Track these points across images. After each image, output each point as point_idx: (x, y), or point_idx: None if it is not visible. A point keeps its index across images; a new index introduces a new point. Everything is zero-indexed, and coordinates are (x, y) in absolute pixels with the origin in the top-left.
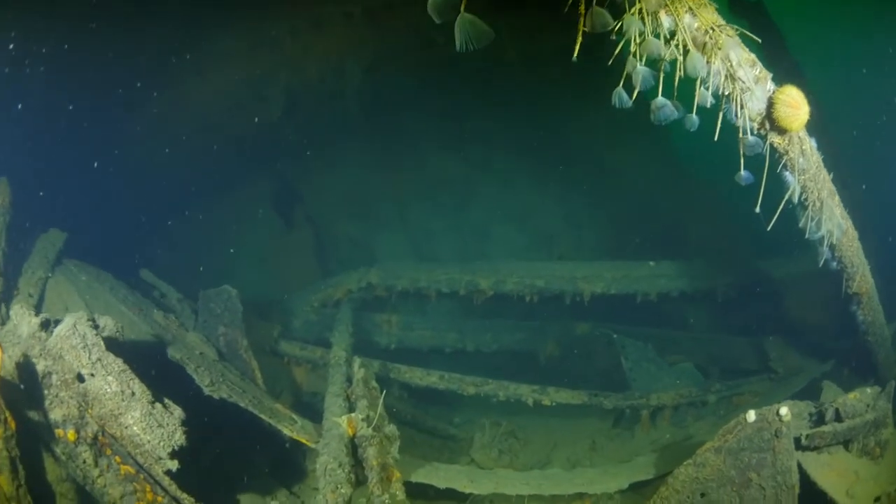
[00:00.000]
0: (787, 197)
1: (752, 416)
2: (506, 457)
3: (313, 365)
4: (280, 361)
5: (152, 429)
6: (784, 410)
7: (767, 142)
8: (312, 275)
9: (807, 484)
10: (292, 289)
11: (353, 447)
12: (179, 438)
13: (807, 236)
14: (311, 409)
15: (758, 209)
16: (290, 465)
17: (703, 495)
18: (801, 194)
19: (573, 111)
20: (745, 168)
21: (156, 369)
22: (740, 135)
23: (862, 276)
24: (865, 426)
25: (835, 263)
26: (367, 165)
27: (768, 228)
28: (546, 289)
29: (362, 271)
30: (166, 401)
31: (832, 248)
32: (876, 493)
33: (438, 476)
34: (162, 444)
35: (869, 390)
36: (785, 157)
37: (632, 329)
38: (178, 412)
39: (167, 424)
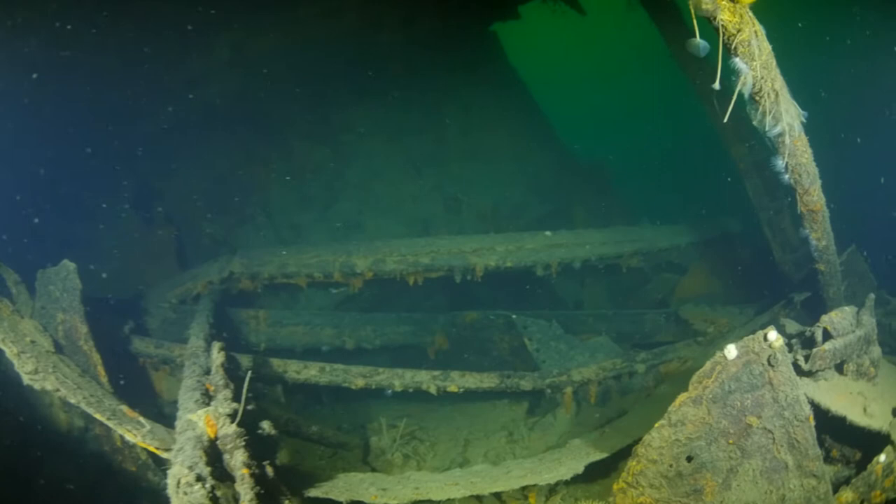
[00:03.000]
0: (738, 87)
1: (731, 350)
2: (412, 462)
3: (173, 367)
4: (137, 365)
5: None
6: (773, 335)
7: (719, 20)
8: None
9: (817, 413)
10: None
11: (216, 452)
12: None
13: (766, 132)
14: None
15: (716, 85)
16: None
17: (690, 459)
18: (753, 85)
19: (449, 96)
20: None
21: None
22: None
23: (815, 191)
24: (860, 342)
25: (787, 176)
26: (230, 158)
27: (725, 119)
28: (432, 266)
29: (224, 260)
30: None
31: (788, 153)
32: (889, 408)
33: (338, 488)
34: None
35: (847, 308)
36: (736, 40)
37: (528, 312)
38: None
39: None
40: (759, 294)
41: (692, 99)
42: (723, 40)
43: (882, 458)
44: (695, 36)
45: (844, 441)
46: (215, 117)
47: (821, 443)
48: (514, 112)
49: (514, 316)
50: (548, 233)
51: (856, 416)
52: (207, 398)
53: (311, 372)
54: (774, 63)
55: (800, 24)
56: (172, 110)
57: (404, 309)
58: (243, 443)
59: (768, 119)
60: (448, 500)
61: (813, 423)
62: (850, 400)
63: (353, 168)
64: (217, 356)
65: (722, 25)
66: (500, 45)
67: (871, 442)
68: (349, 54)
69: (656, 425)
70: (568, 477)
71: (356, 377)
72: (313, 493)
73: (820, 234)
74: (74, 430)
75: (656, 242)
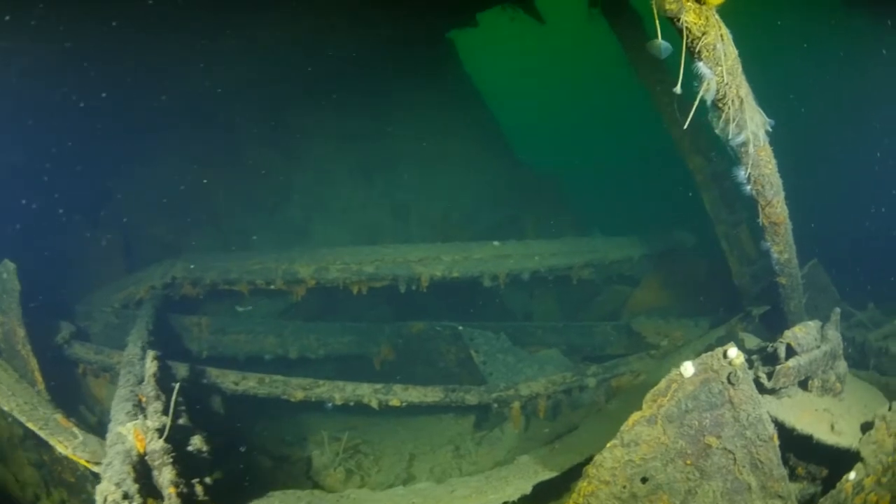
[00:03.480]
0: (701, 93)
1: (688, 368)
2: (355, 477)
3: (112, 375)
4: (76, 372)
5: None
6: (733, 352)
7: (683, 21)
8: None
9: (781, 431)
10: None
11: (146, 468)
12: None
13: (728, 140)
14: None
15: (678, 89)
16: None
17: (645, 480)
18: (717, 91)
19: (402, 102)
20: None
21: None
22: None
23: (778, 203)
24: (825, 358)
25: (749, 187)
26: (179, 160)
27: (685, 126)
28: (376, 275)
29: (167, 264)
30: None
31: (751, 163)
32: (857, 424)
33: None
34: None
35: (811, 323)
36: (700, 43)
37: (476, 323)
38: None
39: None
40: (714, 307)
41: (649, 110)
42: (686, 43)
43: (852, 475)
44: (657, 37)
45: (810, 458)
46: (165, 119)
47: (785, 461)
48: (468, 120)
49: (460, 327)
50: (496, 243)
51: (823, 435)
52: (140, 410)
53: (249, 383)
54: (740, 69)
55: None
56: (122, 111)
57: (350, 318)
58: (171, 459)
59: (731, 127)
60: None
61: (777, 442)
62: (815, 417)
63: (302, 173)
64: (150, 365)
65: (686, 27)
66: (455, 51)
67: (838, 459)
68: (302, 58)
69: (608, 445)
70: (515, 498)
71: (296, 389)
72: None
73: (782, 248)
74: (14, 438)
75: (608, 254)
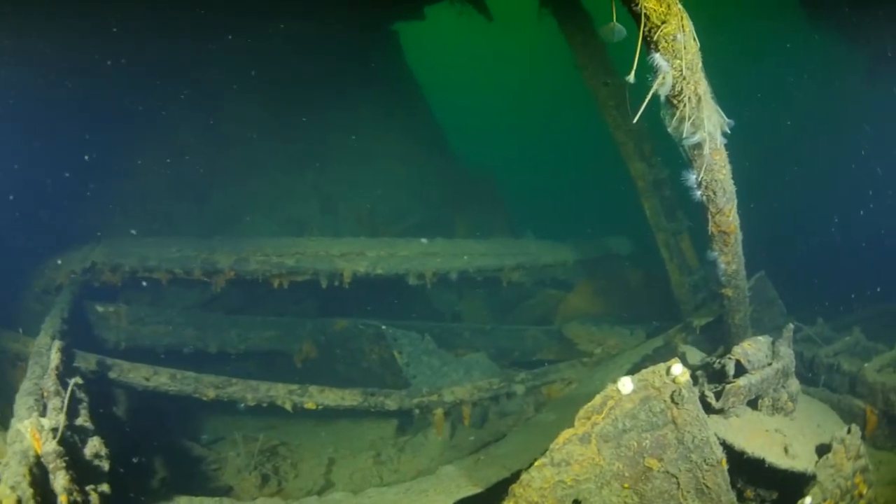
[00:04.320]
0: (655, 87)
1: (626, 384)
2: (272, 482)
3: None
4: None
5: None
6: (677, 368)
7: (642, 6)
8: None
9: (729, 454)
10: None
11: (44, 470)
12: None
13: (682, 139)
14: None
15: (631, 78)
16: None
17: (577, 503)
18: (673, 86)
19: (339, 93)
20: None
21: None
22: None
23: (730, 211)
24: (777, 376)
25: (700, 192)
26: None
27: (634, 121)
28: (297, 268)
29: (87, 248)
30: None
31: (704, 167)
32: (811, 446)
33: None
34: None
35: (761, 338)
36: (659, 32)
37: (402, 323)
38: None
39: None
40: (651, 317)
41: (592, 114)
42: (643, 31)
43: (808, 501)
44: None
45: (760, 482)
46: (96, 100)
47: (733, 484)
48: (405, 114)
49: (384, 327)
50: (423, 240)
51: (776, 458)
52: (42, 405)
53: (161, 379)
54: (700, 64)
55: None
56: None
57: (273, 312)
58: (64, 464)
59: (686, 126)
60: None
61: (726, 466)
62: (767, 439)
63: (233, 160)
64: (53, 357)
65: (644, 13)
66: (398, 44)
67: (791, 482)
68: (240, 44)
69: (536, 463)
70: None
71: (207, 387)
72: None
73: (730, 258)
74: None
75: (541, 257)
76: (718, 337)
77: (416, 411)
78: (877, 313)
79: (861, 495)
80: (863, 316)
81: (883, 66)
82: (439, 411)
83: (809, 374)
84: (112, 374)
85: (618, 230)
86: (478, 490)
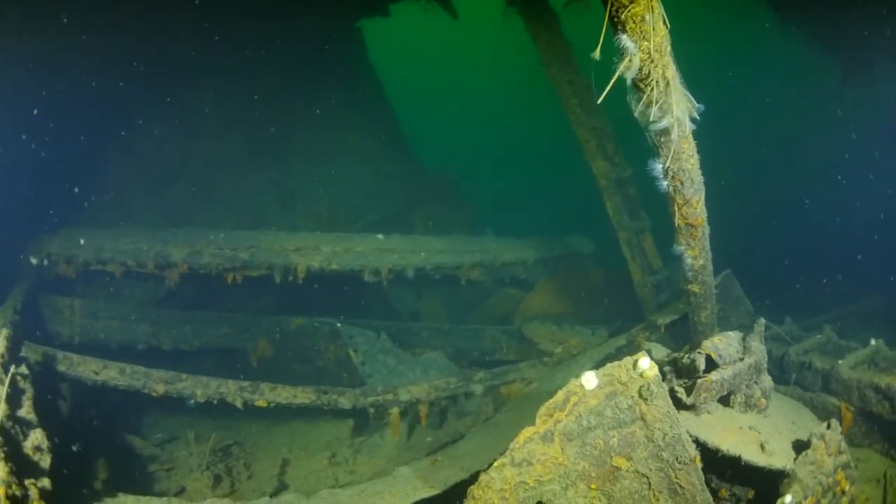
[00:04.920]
0: (621, 70)
1: (590, 379)
2: (225, 483)
3: None
4: None
5: None
6: (645, 362)
7: None
8: None
9: (703, 452)
10: None
11: None
12: None
13: (648, 125)
14: None
15: (596, 55)
16: None
17: None
18: (640, 69)
19: (301, 89)
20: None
21: None
22: None
23: (698, 203)
24: (749, 371)
25: (666, 182)
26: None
27: (599, 101)
28: (251, 262)
29: (44, 238)
30: None
31: (671, 155)
32: (788, 443)
33: None
34: None
35: (731, 334)
36: (627, 12)
37: (359, 322)
38: None
39: None
40: (613, 317)
41: (556, 114)
42: (610, 10)
43: (788, 499)
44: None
45: (735, 481)
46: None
47: (706, 483)
48: (367, 112)
49: (339, 324)
50: (380, 236)
51: (753, 456)
52: None
53: (110, 373)
54: (669, 47)
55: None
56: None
57: (228, 310)
58: (2, 454)
59: (654, 110)
60: None
61: (700, 465)
62: (741, 436)
63: (193, 154)
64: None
65: None
66: (362, 41)
67: (768, 480)
68: (204, 38)
69: (496, 463)
70: None
71: (157, 382)
72: None
73: (697, 252)
74: None
75: (500, 255)
76: (683, 336)
77: (372, 410)
78: (846, 313)
79: (843, 492)
80: (832, 316)
81: (855, 69)
82: (395, 411)
83: (779, 372)
84: (61, 367)
85: (581, 230)
86: (435, 492)
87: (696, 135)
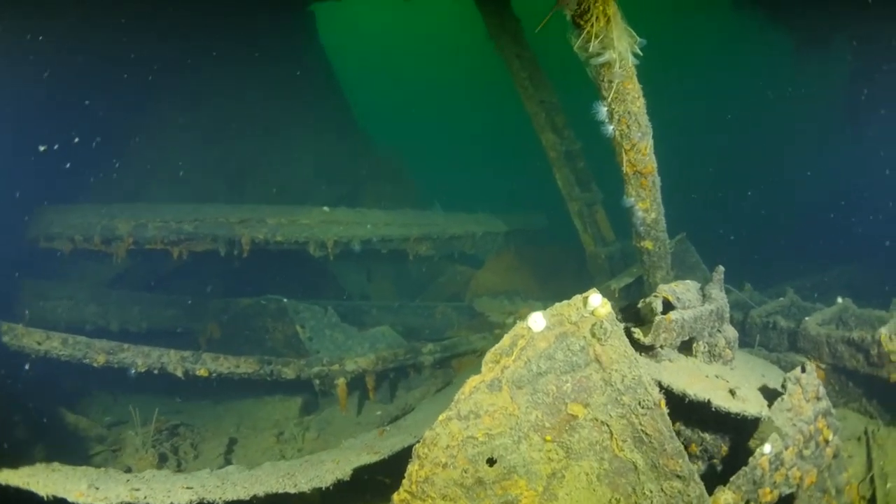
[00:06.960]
0: (560, 4)
1: (537, 320)
2: (171, 462)
3: None
4: None
5: None
6: (596, 299)
7: None
8: None
9: (668, 401)
10: None
11: None
12: None
13: (589, 60)
14: None
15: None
16: None
17: (492, 462)
18: (579, 5)
19: (251, 69)
20: None
21: None
22: None
23: (646, 148)
24: (711, 317)
25: (612, 127)
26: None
27: (537, 30)
28: (196, 234)
29: None
30: None
31: (615, 96)
32: (758, 394)
33: (45, 478)
34: None
35: (689, 282)
36: None
37: (309, 301)
38: None
39: None
40: (565, 292)
41: (504, 90)
42: None
43: (767, 448)
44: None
45: (706, 432)
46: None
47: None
48: (316, 91)
49: (285, 300)
50: (325, 208)
51: (724, 401)
52: None
53: (53, 343)
54: None
55: None
56: None
57: (177, 292)
58: None
59: (594, 44)
60: None
61: (665, 409)
62: (709, 383)
63: (141, 131)
64: None
65: None
66: (314, 24)
67: (742, 431)
68: (156, 18)
69: (441, 418)
70: (329, 483)
71: (98, 353)
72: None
73: (649, 205)
74: None
75: (448, 228)
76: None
77: (317, 382)
78: (809, 284)
79: (827, 441)
80: (795, 286)
81: (808, 46)
82: (341, 381)
83: (742, 336)
84: (5, 339)
85: (535, 207)
86: (380, 457)
87: (653, 111)
